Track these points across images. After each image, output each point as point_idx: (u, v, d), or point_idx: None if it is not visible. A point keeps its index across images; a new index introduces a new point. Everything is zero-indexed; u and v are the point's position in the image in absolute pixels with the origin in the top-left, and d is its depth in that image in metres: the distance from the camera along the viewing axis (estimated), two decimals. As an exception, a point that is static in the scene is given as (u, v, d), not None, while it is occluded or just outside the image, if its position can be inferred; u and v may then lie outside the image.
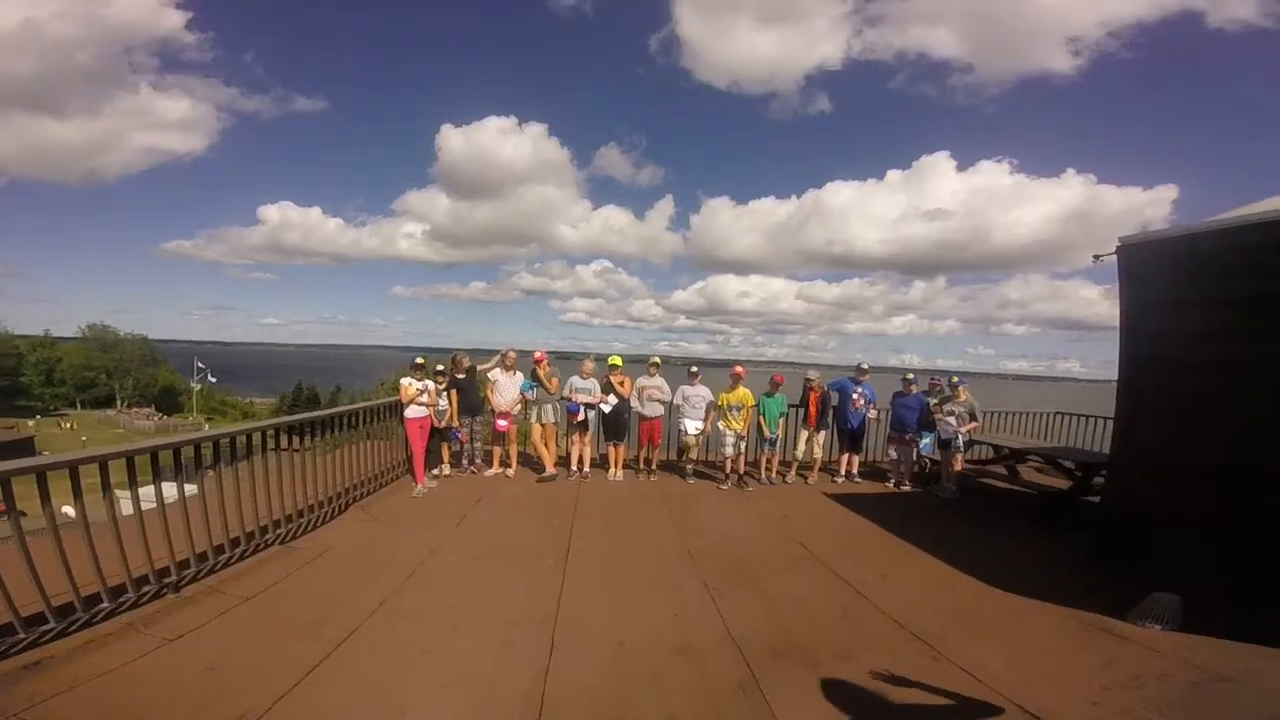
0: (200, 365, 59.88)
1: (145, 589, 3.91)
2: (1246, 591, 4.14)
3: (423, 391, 6.93)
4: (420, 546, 5.18)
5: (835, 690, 3.25)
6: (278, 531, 5.08)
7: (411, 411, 6.89)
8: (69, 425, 53.64)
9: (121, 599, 3.76)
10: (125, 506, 3.91)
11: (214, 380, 62.46)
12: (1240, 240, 4.38)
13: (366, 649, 3.56)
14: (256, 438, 5.01)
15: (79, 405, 63.33)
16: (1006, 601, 4.45)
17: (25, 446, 38.76)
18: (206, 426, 51.73)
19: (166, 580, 4.05)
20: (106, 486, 3.72)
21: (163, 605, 3.90)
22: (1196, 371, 4.62)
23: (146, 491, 3.99)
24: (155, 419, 56.62)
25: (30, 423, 51.10)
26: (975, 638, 3.87)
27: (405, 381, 6.96)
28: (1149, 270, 5.01)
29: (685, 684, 3.33)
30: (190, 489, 4.42)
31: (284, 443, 5.49)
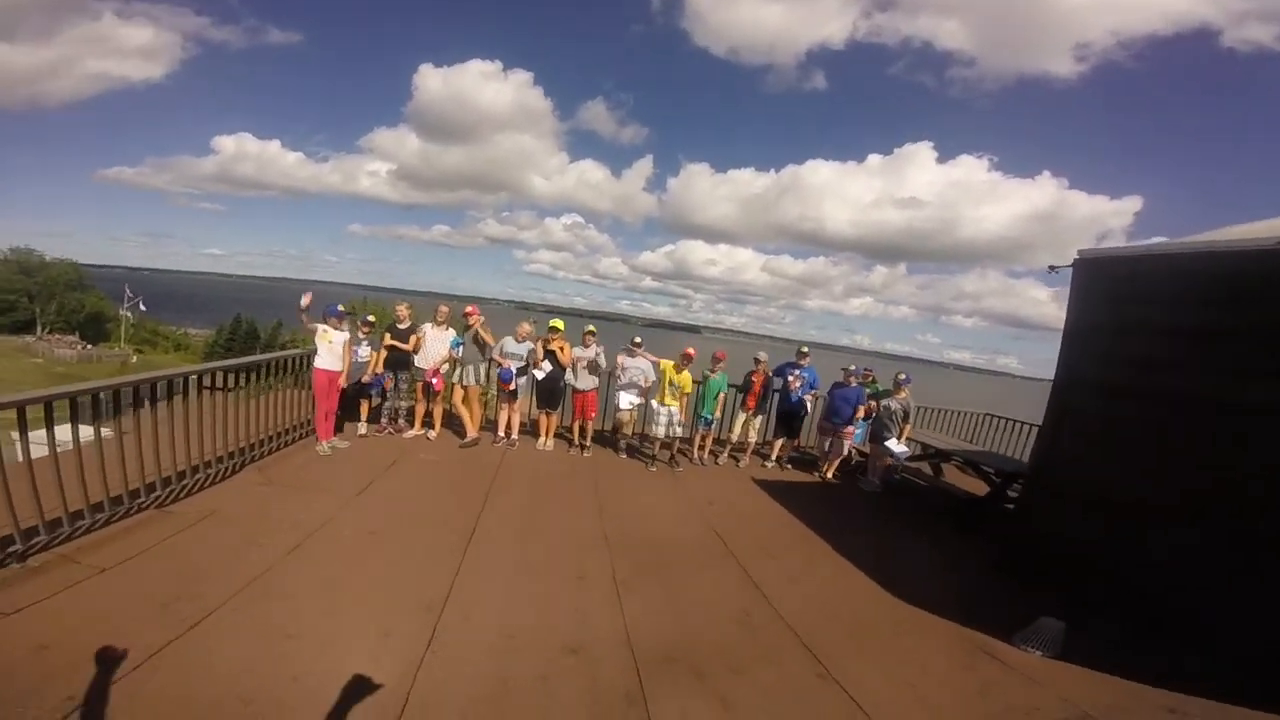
0: (131, 293, 56.79)
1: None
2: (1134, 625, 4.21)
3: (333, 341, 6.37)
4: (313, 515, 4.82)
5: (716, 710, 3.12)
6: (154, 494, 4.62)
7: (320, 361, 6.38)
8: (-18, 351, 50.36)
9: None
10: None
11: (144, 309, 59.45)
12: (1190, 269, 4.32)
13: (223, 631, 3.25)
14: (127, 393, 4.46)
15: (-5, 329, 59.54)
16: (904, 614, 4.42)
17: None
18: (134, 357, 49.34)
19: (10, 549, 3.60)
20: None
21: (3, 575, 3.48)
22: (1129, 399, 4.57)
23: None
24: (78, 347, 53.63)
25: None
26: (864, 655, 3.79)
27: (320, 328, 6.39)
28: (1100, 288, 4.94)
29: (571, 690, 3.14)
30: (64, 444, 3.92)
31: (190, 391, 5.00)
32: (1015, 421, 10.26)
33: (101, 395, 4.23)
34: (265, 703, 2.77)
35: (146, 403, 4.54)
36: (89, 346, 55.30)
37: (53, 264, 64.52)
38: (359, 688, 2.93)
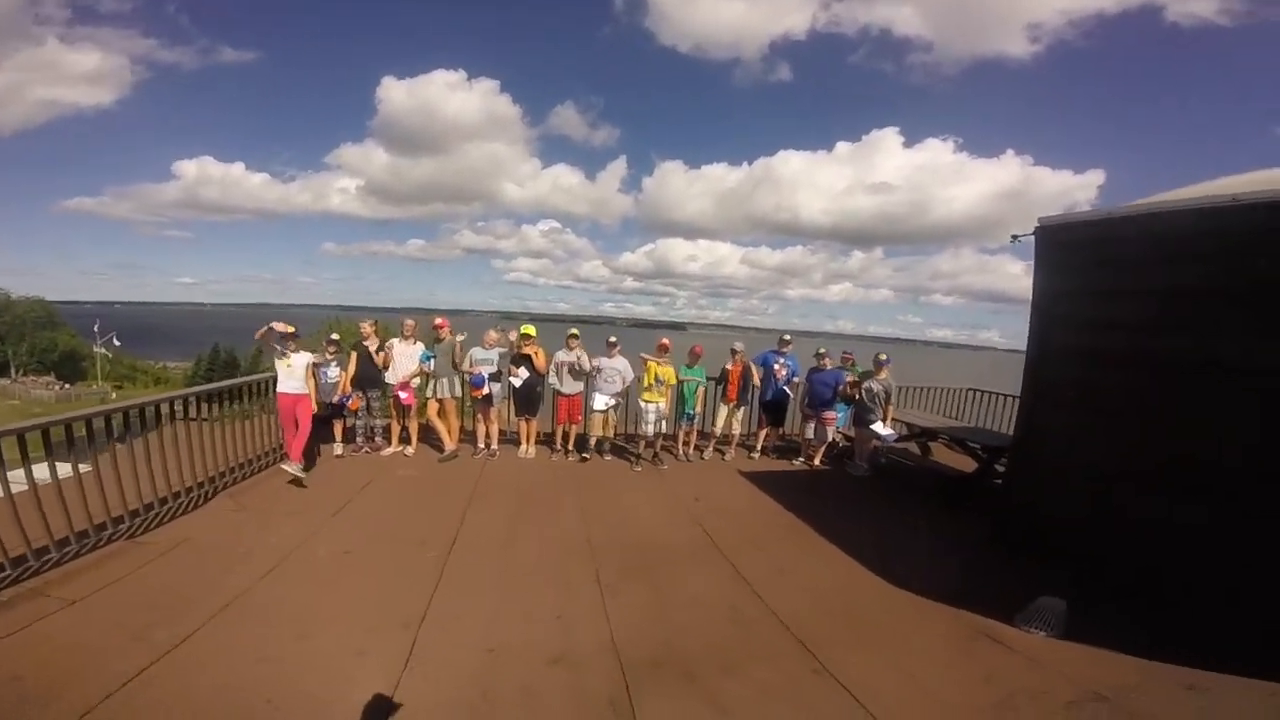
0: (100, 329, 55.64)
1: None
2: (1130, 597, 4.13)
3: (292, 365, 6.23)
4: (288, 539, 4.69)
5: (707, 713, 3.02)
6: (124, 526, 4.50)
7: (281, 385, 6.25)
8: (-46, 396, 49.16)
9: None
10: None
11: (118, 344, 58.35)
12: (1155, 229, 4.25)
13: (197, 657, 3.16)
14: (99, 423, 4.38)
15: (-35, 374, 58.06)
16: (899, 601, 4.31)
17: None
18: (114, 395, 48.42)
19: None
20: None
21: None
22: (1102, 365, 4.52)
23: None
24: (56, 388, 52.53)
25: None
26: (860, 646, 3.69)
27: (278, 350, 6.25)
28: (1063, 255, 4.89)
29: (554, 700, 3.04)
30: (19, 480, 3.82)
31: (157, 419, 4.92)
32: (999, 395, 10.23)
33: (73, 428, 4.17)
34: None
35: (115, 436, 4.47)
36: (66, 386, 54.16)
37: (19, 302, 62.86)
38: (336, 709, 2.84)
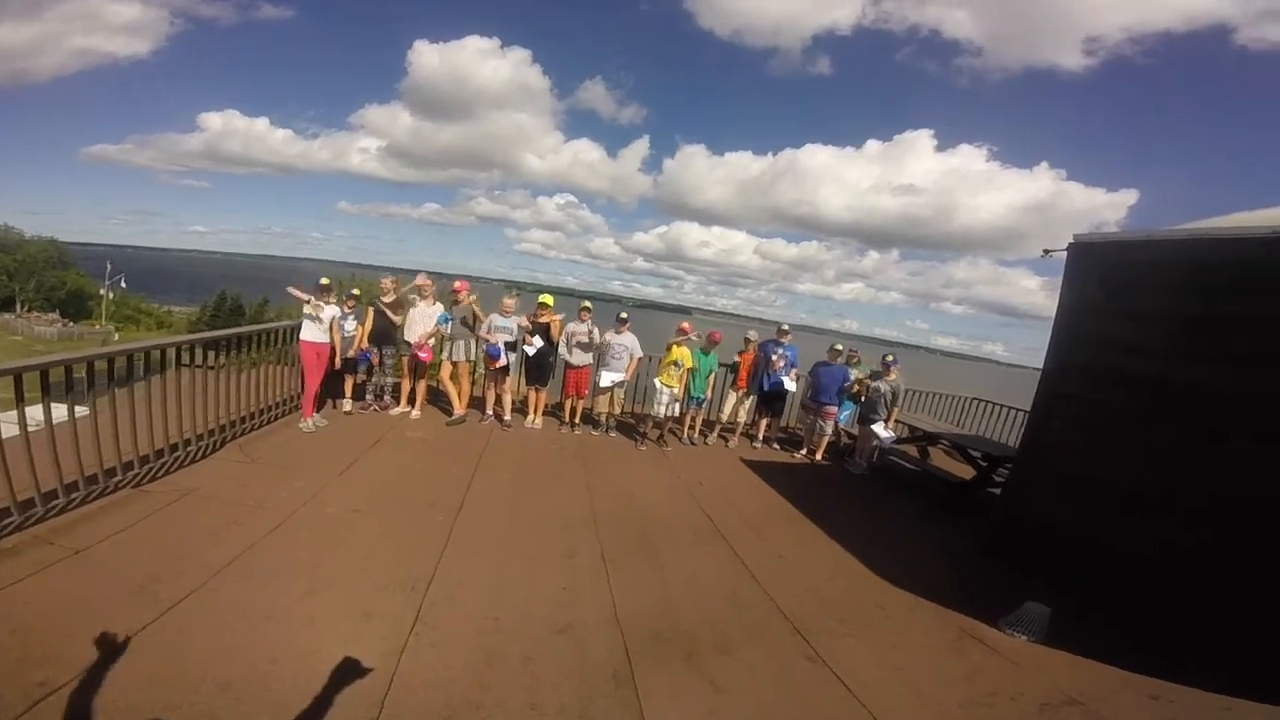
0: (111, 270, 55.76)
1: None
2: (1119, 610, 4.21)
3: (316, 317, 6.30)
4: (296, 494, 4.72)
5: (704, 690, 3.09)
6: (131, 473, 4.48)
7: (307, 333, 6.30)
8: (-41, 332, 49.32)
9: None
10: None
11: (124, 286, 58.45)
12: (1193, 255, 4.22)
13: (201, 613, 3.15)
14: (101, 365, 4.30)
15: (-27, 308, 58.26)
16: (893, 596, 4.40)
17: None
18: (116, 335, 48.56)
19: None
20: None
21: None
22: (1127, 387, 4.51)
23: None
24: (59, 325, 52.73)
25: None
26: (854, 636, 3.77)
27: (310, 300, 6.32)
28: (1096, 274, 4.86)
29: (557, 670, 3.08)
30: (38, 423, 3.79)
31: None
32: (1002, 406, 10.27)
33: (74, 369, 4.06)
34: (244, 686, 2.69)
35: (126, 378, 4.42)
36: (70, 324, 54.33)
37: (32, 241, 63.18)
38: (340, 670, 2.86)
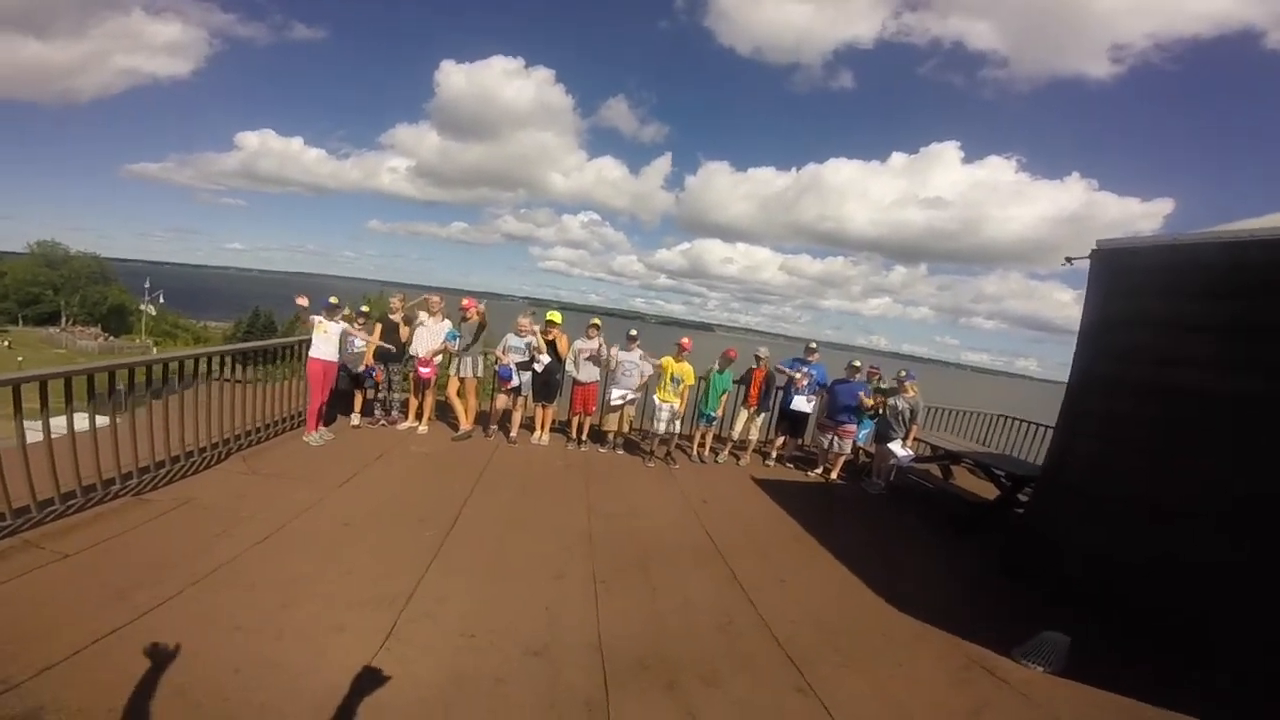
0: (150, 287, 57.52)
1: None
2: (1139, 637, 3.96)
3: (328, 332, 6.34)
4: (291, 506, 4.68)
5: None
6: (131, 482, 4.51)
7: (315, 350, 6.32)
8: (6, 344, 51.25)
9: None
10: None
11: (163, 302, 60.25)
12: (1227, 259, 3.97)
13: (175, 620, 3.12)
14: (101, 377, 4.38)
15: (21, 322, 60.55)
16: (898, 624, 4.16)
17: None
18: (154, 349, 49.99)
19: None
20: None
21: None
22: (1154, 399, 4.28)
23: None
24: (101, 339, 54.49)
25: (-32, 337, 48.73)
26: (850, 667, 3.55)
27: (316, 319, 6.36)
28: (1120, 282, 4.64)
29: (528, 694, 2.95)
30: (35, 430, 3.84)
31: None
32: (1030, 423, 9.87)
33: (94, 379, 4.21)
34: (201, 693, 2.64)
35: (139, 391, 4.51)
36: (111, 338, 56.17)
37: (76, 257, 65.67)
38: (300, 684, 2.78)
